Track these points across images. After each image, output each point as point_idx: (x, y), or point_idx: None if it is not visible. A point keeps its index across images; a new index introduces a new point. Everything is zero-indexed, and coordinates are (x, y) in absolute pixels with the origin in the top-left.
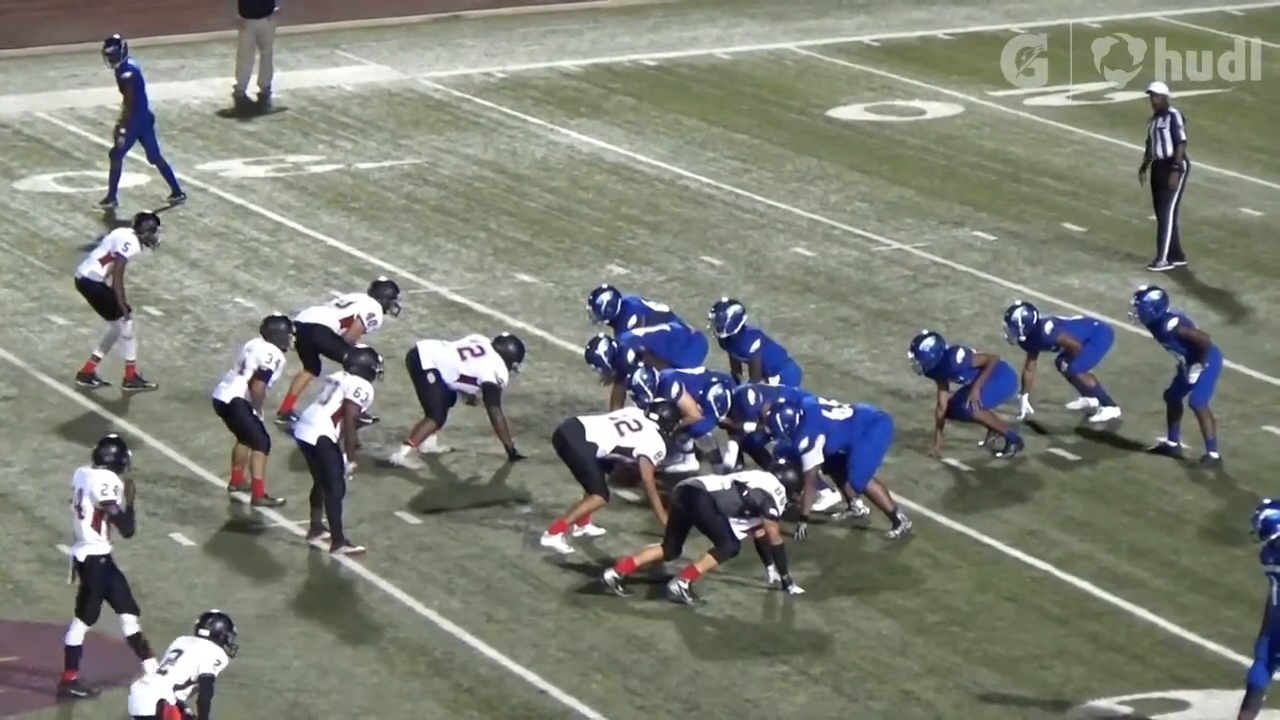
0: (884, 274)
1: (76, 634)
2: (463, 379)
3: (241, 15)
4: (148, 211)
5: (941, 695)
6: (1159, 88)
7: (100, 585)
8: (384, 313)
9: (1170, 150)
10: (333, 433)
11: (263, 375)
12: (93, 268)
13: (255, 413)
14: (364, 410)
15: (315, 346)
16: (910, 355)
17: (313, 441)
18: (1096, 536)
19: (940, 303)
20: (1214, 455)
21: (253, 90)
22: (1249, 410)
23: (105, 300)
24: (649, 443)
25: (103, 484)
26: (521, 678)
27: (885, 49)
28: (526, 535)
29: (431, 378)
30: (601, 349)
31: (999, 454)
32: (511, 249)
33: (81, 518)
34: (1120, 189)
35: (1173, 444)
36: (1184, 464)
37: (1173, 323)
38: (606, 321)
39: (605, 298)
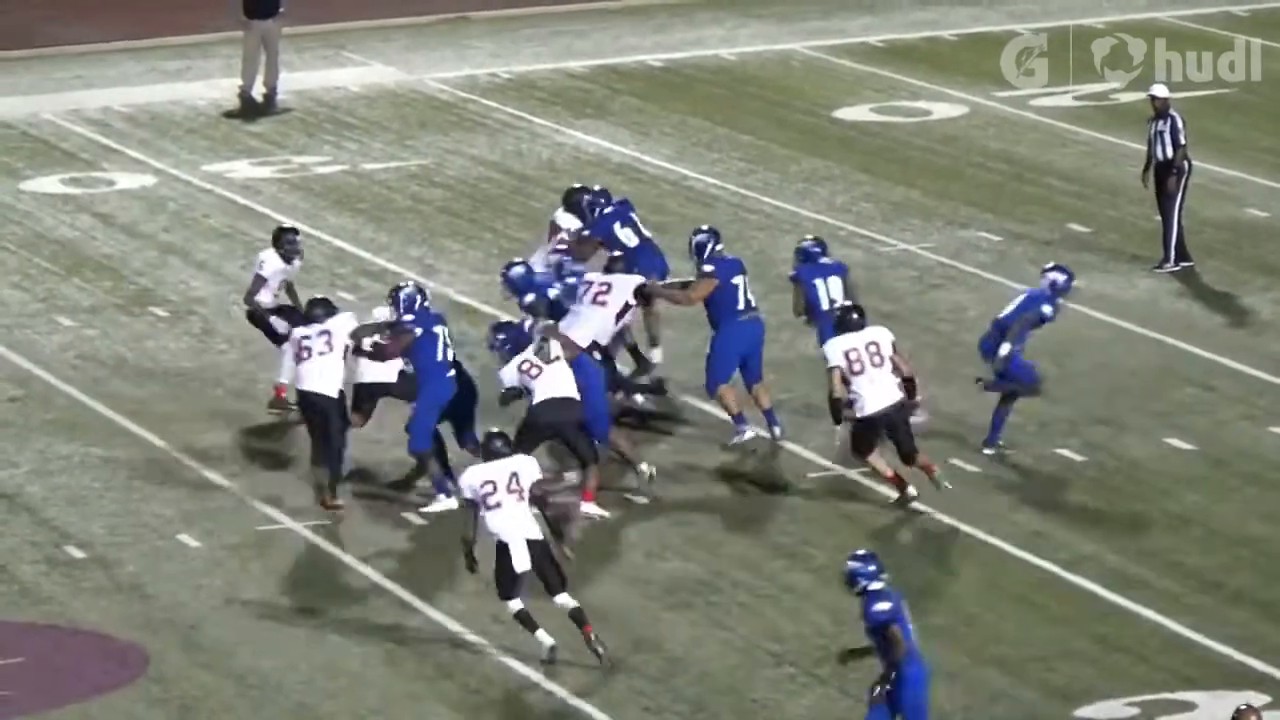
0: (890, 275)
1: (565, 601)
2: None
3: (247, 16)
4: (286, 224)
5: (948, 696)
6: (1159, 90)
7: (548, 560)
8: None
9: (1170, 153)
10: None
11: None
12: (258, 298)
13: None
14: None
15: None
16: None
17: (333, 395)
18: (1103, 538)
19: (946, 303)
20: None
21: (258, 91)
22: (1254, 411)
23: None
24: (626, 286)
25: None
26: (528, 679)
27: (891, 50)
28: None
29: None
30: (516, 273)
31: (979, 382)
32: (518, 250)
33: (520, 499)
34: (1126, 189)
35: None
36: (1187, 464)
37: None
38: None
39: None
